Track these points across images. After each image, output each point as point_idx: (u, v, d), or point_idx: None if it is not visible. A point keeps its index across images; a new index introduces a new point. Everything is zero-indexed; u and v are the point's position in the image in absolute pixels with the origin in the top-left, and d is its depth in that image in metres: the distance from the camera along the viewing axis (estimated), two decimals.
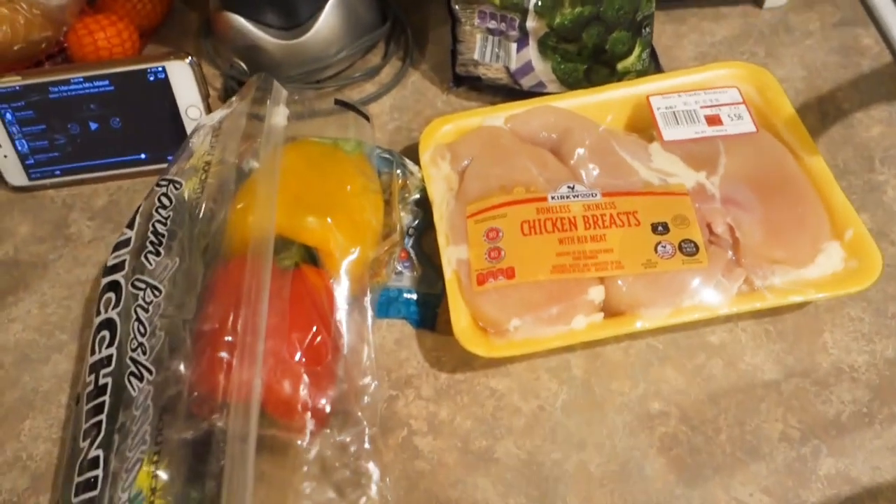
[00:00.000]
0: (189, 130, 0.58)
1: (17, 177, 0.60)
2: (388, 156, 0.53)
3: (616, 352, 0.48)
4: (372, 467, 0.41)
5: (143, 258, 0.45)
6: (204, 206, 0.46)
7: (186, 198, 0.47)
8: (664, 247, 0.45)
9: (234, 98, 0.51)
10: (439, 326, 0.50)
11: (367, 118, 0.52)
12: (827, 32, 0.63)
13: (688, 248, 0.45)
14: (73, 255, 0.57)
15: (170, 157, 0.56)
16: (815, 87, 0.59)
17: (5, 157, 0.59)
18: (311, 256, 0.45)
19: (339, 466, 0.41)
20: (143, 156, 0.60)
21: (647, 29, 0.57)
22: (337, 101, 0.53)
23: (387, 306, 0.50)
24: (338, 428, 0.42)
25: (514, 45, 0.57)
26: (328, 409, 0.41)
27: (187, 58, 0.57)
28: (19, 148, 0.59)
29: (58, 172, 0.60)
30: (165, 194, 0.47)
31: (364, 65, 0.66)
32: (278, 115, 0.48)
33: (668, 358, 0.47)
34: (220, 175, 0.47)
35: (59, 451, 0.48)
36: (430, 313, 0.50)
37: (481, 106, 0.60)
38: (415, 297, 0.50)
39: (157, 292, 0.43)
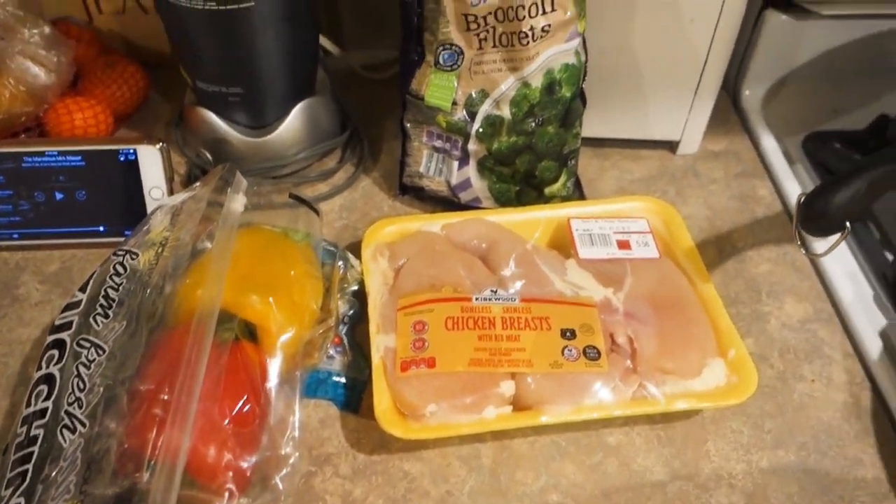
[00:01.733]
0: (150, 209, 0.62)
1: None
2: (332, 248, 0.58)
3: (522, 445, 0.52)
4: None
5: (91, 319, 0.48)
6: (156, 277, 0.50)
7: (141, 268, 0.51)
8: (570, 350, 0.51)
9: (197, 183, 0.56)
10: (362, 411, 0.53)
11: (317, 213, 0.57)
12: (729, 181, 0.72)
13: (591, 354, 0.51)
14: (18, 315, 0.59)
15: (127, 232, 0.60)
16: (715, 226, 0.68)
17: None
18: (250, 332, 0.49)
19: None
20: (101, 228, 0.64)
21: (573, 161, 0.65)
22: (291, 195, 0.58)
23: (315, 386, 0.54)
24: (254, 496, 0.45)
25: (455, 163, 0.64)
26: (249, 472, 0.43)
27: (158, 143, 0.62)
28: None
29: (16, 236, 0.63)
30: (121, 263, 0.51)
31: (320, 166, 0.72)
32: (237, 202, 0.53)
33: (569, 454, 0.51)
34: (176, 251, 0.51)
35: None
36: (355, 397, 0.54)
37: (422, 213, 0.67)
38: (343, 380, 0.54)
39: (100, 351, 0.46)
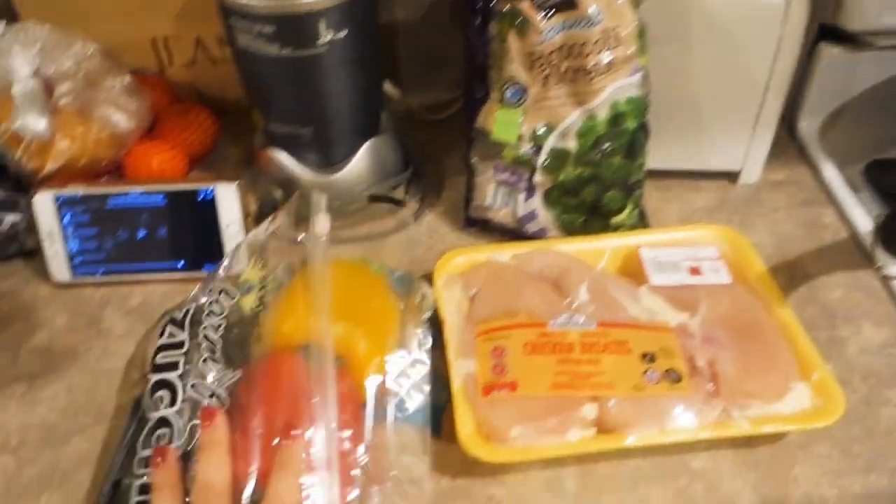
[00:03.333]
0: (226, 244, 0.65)
1: (62, 273, 0.65)
2: (406, 277, 0.59)
3: (606, 469, 0.51)
4: None
5: (199, 365, 0.50)
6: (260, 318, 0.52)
7: (248, 311, 0.52)
8: (651, 373, 0.51)
9: (277, 213, 0.58)
10: (443, 434, 0.54)
11: (401, 205, 0.58)
12: (793, 210, 0.72)
13: (673, 376, 0.51)
14: (104, 347, 0.61)
15: (207, 266, 0.62)
16: (783, 254, 0.67)
17: (56, 253, 0.65)
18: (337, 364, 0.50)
19: None
20: (180, 264, 0.66)
21: (638, 191, 0.66)
22: (371, 197, 0.58)
23: (397, 412, 0.54)
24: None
25: (522, 196, 0.65)
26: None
27: (236, 181, 0.65)
28: (70, 247, 0.65)
29: (100, 272, 0.66)
30: (217, 301, 0.53)
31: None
32: (321, 224, 0.55)
33: (654, 478, 0.51)
34: (272, 287, 0.53)
35: None
36: (435, 421, 0.54)
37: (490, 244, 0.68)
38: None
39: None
